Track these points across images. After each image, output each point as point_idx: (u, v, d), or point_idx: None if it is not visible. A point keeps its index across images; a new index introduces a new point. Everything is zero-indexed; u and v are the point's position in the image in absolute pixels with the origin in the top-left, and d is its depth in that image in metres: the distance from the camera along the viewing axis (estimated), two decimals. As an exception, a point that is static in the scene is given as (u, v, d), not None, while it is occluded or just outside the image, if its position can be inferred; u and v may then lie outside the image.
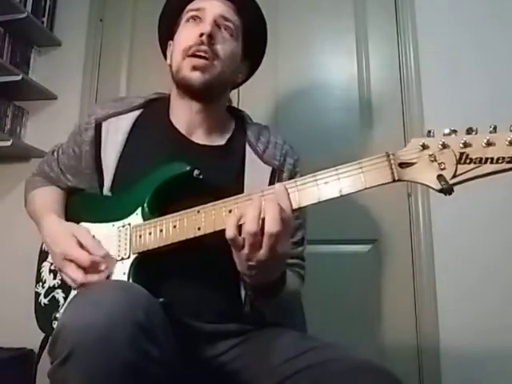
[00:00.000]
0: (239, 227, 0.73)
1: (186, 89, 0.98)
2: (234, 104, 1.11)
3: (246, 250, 0.73)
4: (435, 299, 1.66)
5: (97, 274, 0.84)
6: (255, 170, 0.99)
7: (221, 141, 1.04)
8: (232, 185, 0.93)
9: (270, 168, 0.99)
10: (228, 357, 0.91)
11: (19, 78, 1.90)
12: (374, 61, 1.91)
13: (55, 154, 1.12)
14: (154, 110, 1.05)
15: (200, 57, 0.94)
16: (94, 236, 0.92)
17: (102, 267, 0.84)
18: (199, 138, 1.03)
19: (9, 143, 1.87)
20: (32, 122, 2.13)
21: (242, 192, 0.91)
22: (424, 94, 1.81)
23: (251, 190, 0.79)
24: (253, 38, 1.07)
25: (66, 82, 2.12)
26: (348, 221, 1.74)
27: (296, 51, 1.93)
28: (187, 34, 0.98)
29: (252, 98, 1.61)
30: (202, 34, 0.94)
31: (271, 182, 0.97)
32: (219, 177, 0.94)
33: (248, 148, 1.02)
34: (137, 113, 1.03)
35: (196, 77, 0.94)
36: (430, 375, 1.63)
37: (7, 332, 1.81)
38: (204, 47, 0.94)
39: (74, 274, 0.84)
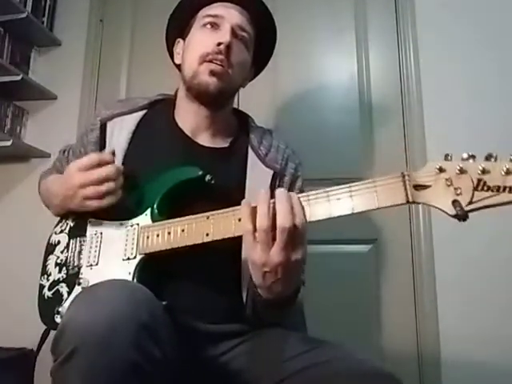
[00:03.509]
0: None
1: (201, 94, 0.98)
2: (234, 106, 1.12)
3: (259, 251, 0.71)
4: (435, 299, 1.66)
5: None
6: (257, 173, 0.99)
7: (224, 143, 1.05)
8: (234, 187, 0.94)
9: (272, 171, 1.00)
10: (229, 357, 0.92)
11: (19, 78, 1.89)
12: (374, 61, 1.91)
13: (65, 153, 1.15)
14: (159, 110, 1.06)
15: (217, 64, 0.95)
16: (101, 233, 0.94)
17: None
18: (204, 140, 1.03)
19: (9, 143, 1.87)
20: (32, 122, 2.13)
21: (244, 195, 0.92)
22: (424, 95, 1.82)
23: (253, 193, 0.79)
24: (263, 48, 1.09)
25: (66, 82, 2.12)
26: (348, 221, 1.72)
27: (296, 52, 1.93)
28: (205, 41, 0.98)
29: (251, 99, 1.61)
30: (219, 44, 0.95)
31: (272, 186, 0.98)
32: (222, 179, 0.94)
33: (250, 151, 1.02)
34: (141, 113, 1.04)
35: (213, 82, 0.95)
36: (430, 373, 1.63)
37: (7, 332, 1.81)
38: (221, 57, 0.95)
39: (78, 177, 0.87)
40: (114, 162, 0.89)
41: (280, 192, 0.73)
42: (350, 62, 1.91)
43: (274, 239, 0.71)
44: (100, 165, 0.87)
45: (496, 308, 1.63)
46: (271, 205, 0.72)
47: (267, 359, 0.88)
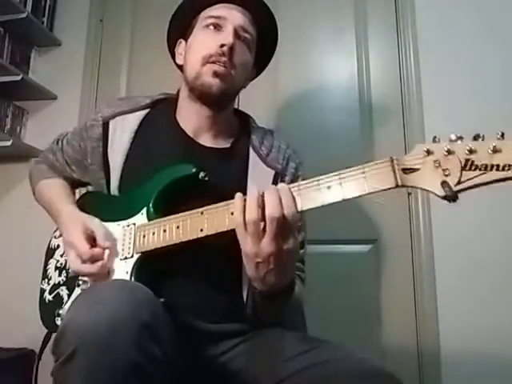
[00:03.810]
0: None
1: (203, 95, 0.99)
2: (234, 106, 1.12)
3: (250, 242, 0.73)
4: (435, 299, 1.66)
5: (93, 265, 0.86)
6: (258, 173, 0.99)
7: (226, 143, 1.05)
8: (235, 187, 0.93)
9: (273, 171, 1.00)
10: (229, 356, 0.92)
11: (19, 78, 1.90)
12: (374, 61, 1.91)
13: (60, 143, 1.13)
14: (161, 110, 1.06)
15: (220, 65, 0.96)
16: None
17: (99, 261, 0.86)
18: (205, 140, 1.04)
19: (9, 143, 1.87)
20: (32, 122, 2.13)
21: (245, 195, 0.92)
22: (424, 95, 1.82)
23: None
24: (265, 48, 1.10)
25: (66, 82, 2.13)
26: (348, 221, 1.74)
27: (296, 52, 1.93)
28: (207, 42, 0.98)
29: (252, 99, 1.61)
30: (222, 45, 0.95)
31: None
32: (223, 179, 0.94)
33: (251, 151, 1.03)
34: (143, 112, 1.04)
35: (216, 83, 0.96)
36: (430, 372, 1.63)
37: (7, 332, 1.81)
38: (224, 58, 0.95)
39: (72, 261, 0.88)
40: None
41: (269, 186, 0.75)
42: (349, 61, 1.91)
43: (264, 230, 0.72)
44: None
45: (496, 308, 1.63)
46: (261, 197, 0.73)
47: (267, 359, 0.87)
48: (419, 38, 1.86)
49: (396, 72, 1.88)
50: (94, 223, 0.91)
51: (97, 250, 0.87)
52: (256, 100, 1.74)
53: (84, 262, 0.86)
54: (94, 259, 0.86)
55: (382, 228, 1.76)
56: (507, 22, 1.81)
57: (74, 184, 1.14)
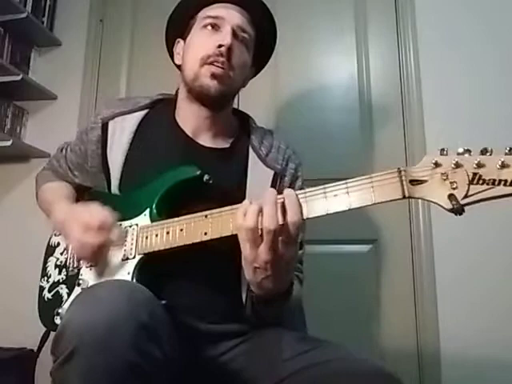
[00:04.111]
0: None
1: (202, 96, 0.99)
2: (234, 106, 1.12)
3: (248, 247, 0.73)
4: (435, 299, 1.66)
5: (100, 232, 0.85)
6: (257, 173, 0.99)
7: (225, 143, 1.05)
8: (234, 188, 0.95)
9: (272, 172, 1.00)
10: (229, 357, 0.92)
11: (19, 78, 1.90)
12: (374, 61, 1.91)
13: (63, 151, 1.15)
14: (160, 110, 1.06)
15: (218, 66, 0.95)
16: None
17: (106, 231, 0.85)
18: (205, 140, 1.04)
19: (9, 143, 1.87)
20: (32, 122, 2.13)
21: (244, 195, 0.92)
22: (424, 95, 1.82)
23: (253, 193, 0.79)
24: (263, 48, 1.10)
25: (65, 81, 2.12)
26: (348, 221, 1.73)
27: (295, 52, 1.94)
28: (205, 43, 0.98)
29: (251, 99, 1.61)
30: (220, 46, 0.95)
31: (273, 186, 0.98)
32: (223, 179, 0.94)
33: (251, 151, 1.02)
34: (142, 113, 1.04)
35: (214, 85, 0.96)
36: (430, 373, 1.63)
37: (7, 332, 1.81)
38: (222, 59, 0.95)
39: (76, 231, 0.85)
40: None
41: (268, 193, 0.73)
42: (349, 61, 1.92)
43: (262, 239, 0.71)
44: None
45: (496, 308, 1.63)
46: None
47: (267, 359, 0.87)
48: (419, 38, 1.86)
49: (396, 72, 1.88)
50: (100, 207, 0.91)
51: (106, 220, 0.85)
52: (256, 100, 1.74)
53: (89, 230, 0.84)
54: (102, 227, 0.84)
55: (382, 228, 1.76)
56: (507, 22, 1.81)
57: (76, 190, 1.14)
